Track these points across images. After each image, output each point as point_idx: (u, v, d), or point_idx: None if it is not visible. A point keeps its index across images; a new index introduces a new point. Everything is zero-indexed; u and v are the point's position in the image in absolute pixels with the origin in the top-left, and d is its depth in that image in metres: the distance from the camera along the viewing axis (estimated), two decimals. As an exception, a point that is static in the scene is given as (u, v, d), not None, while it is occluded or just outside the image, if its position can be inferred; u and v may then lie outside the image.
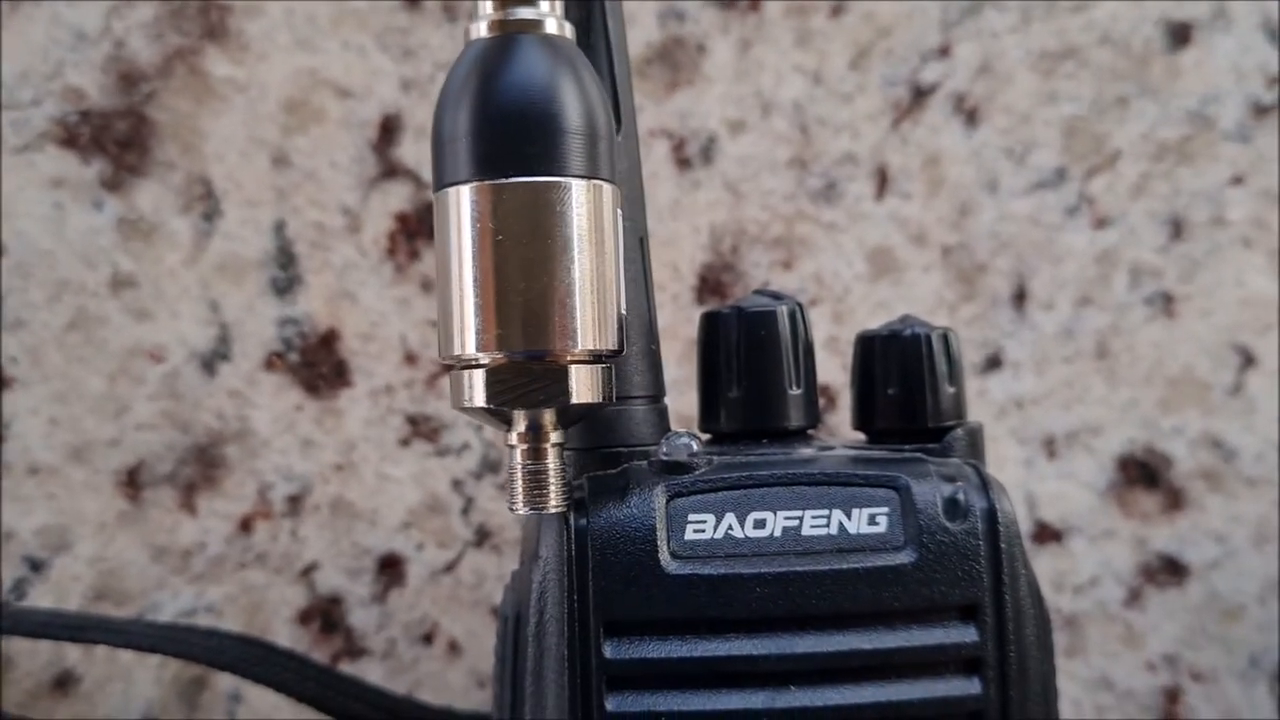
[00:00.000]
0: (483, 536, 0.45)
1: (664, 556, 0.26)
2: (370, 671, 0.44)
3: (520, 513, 0.26)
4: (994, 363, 0.46)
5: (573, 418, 0.26)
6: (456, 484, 0.45)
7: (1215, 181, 0.47)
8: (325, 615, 0.44)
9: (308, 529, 0.44)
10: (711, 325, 0.30)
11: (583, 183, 0.25)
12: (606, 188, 0.26)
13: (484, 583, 0.45)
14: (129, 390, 0.43)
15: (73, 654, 0.43)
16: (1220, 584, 0.47)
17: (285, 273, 0.44)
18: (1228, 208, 0.47)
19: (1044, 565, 0.46)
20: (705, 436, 0.31)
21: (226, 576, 0.44)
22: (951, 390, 0.31)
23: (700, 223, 0.46)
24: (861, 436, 0.32)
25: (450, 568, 0.45)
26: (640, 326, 0.29)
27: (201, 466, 0.44)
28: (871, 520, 0.27)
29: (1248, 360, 0.47)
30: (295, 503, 0.44)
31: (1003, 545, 0.27)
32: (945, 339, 0.31)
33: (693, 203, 0.46)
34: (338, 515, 0.44)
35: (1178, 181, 0.47)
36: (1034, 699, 0.27)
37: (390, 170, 0.45)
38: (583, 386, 0.25)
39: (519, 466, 0.26)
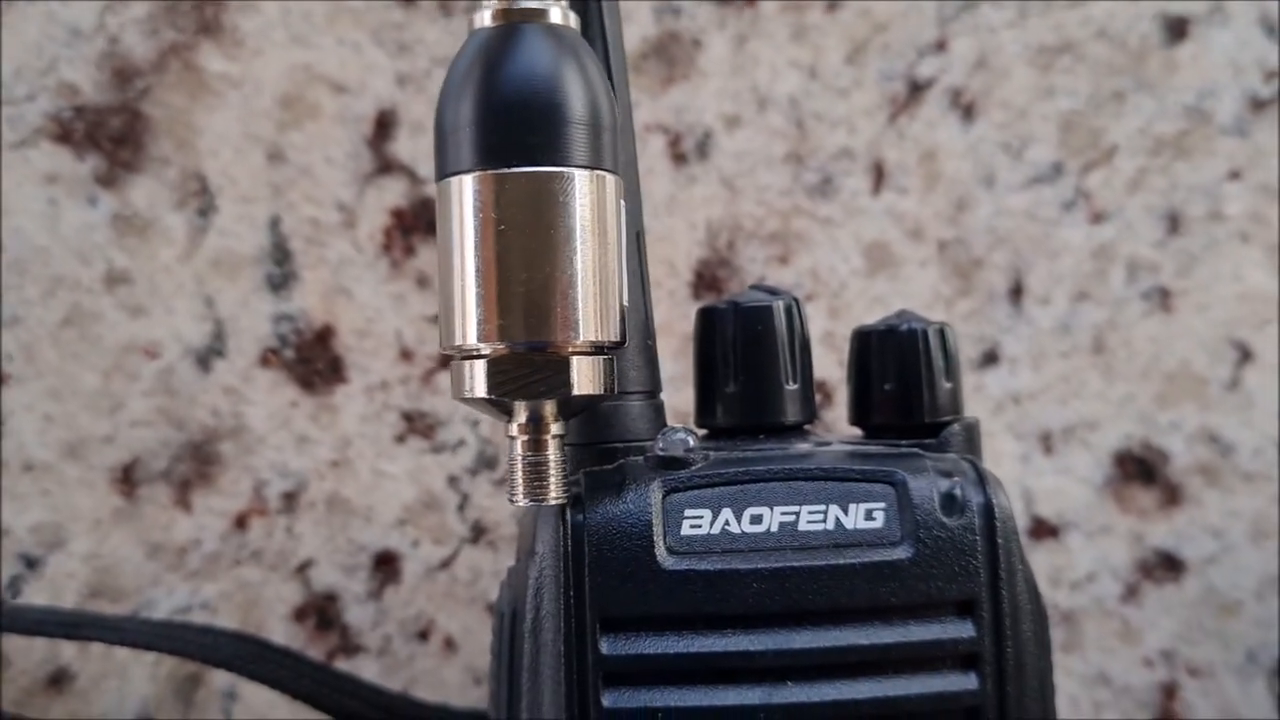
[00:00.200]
0: (479, 533, 0.45)
1: (660, 552, 0.26)
2: (366, 668, 0.44)
3: (520, 504, 0.26)
4: (991, 358, 0.46)
5: (574, 409, 0.26)
6: (452, 480, 0.45)
7: (1212, 176, 0.46)
8: (321, 612, 0.44)
9: (303, 526, 0.44)
10: (708, 320, 0.30)
11: (586, 173, 0.25)
12: (610, 178, 0.26)
13: (480, 579, 0.45)
14: (124, 387, 0.43)
15: (68, 651, 0.43)
16: (1217, 579, 0.47)
17: (280, 269, 0.44)
18: (1225, 202, 0.46)
19: (1041, 561, 0.46)
20: (702, 432, 0.30)
21: (222, 573, 0.44)
22: (948, 385, 0.30)
23: (696, 218, 0.46)
24: (858, 432, 0.32)
25: (446, 564, 0.45)
26: (636, 321, 0.29)
27: (196, 463, 0.44)
28: (868, 515, 0.27)
29: (1245, 355, 0.47)
30: (290, 499, 0.44)
31: (1000, 540, 0.27)
32: (942, 334, 0.31)
33: (689, 198, 0.46)
34: (333, 512, 0.44)
35: (1175, 176, 0.46)
36: (1031, 694, 0.27)
37: (385, 166, 0.44)
38: (584, 378, 0.25)
39: (519, 458, 0.26)
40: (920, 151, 0.46)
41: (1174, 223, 0.46)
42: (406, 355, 0.45)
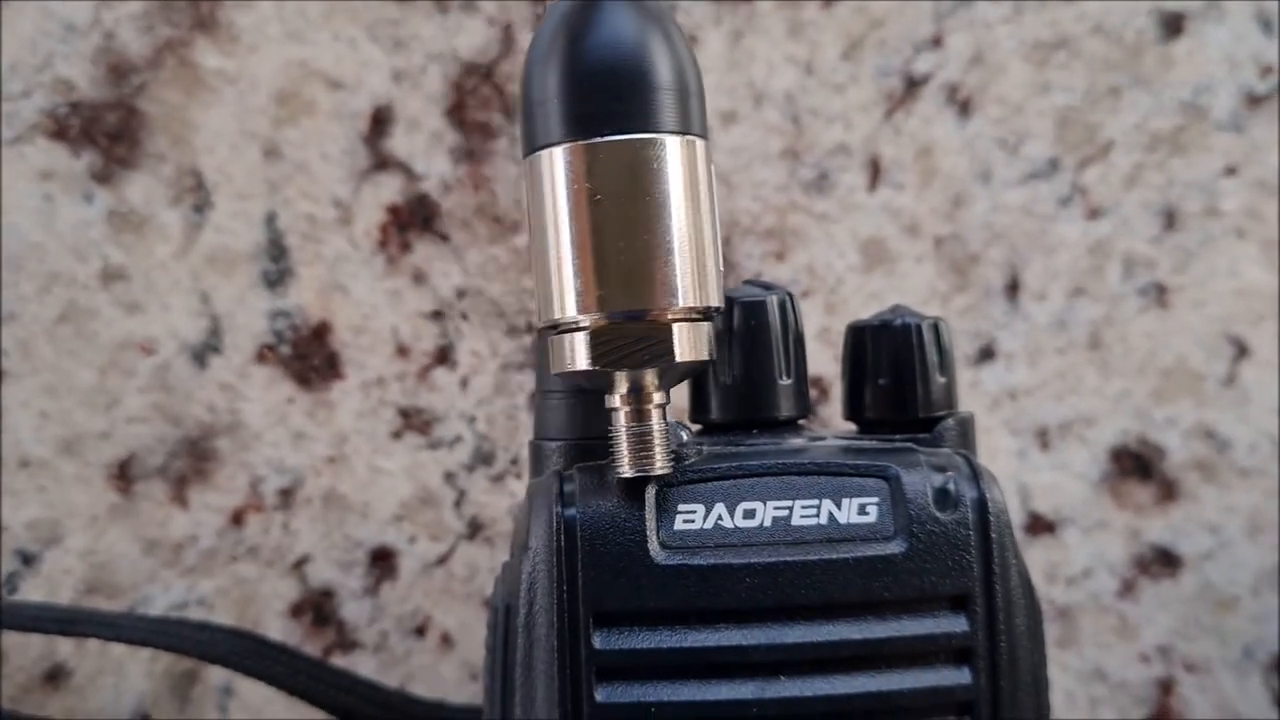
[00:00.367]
0: (475, 529, 0.45)
1: (653, 547, 0.26)
2: (362, 665, 0.44)
3: (627, 475, 0.26)
4: (987, 354, 0.46)
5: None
6: (449, 476, 0.45)
7: (1208, 172, 0.46)
8: (317, 608, 0.44)
9: (299, 522, 0.44)
10: (703, 315, 0.30)
11: (677, 139, 0.25)
12: (699, 143, 0.25)
13: (476, 575, 0.45)
14: (120, 383, 0.43)
15: (64, 648, 0.43)
16: (1214, 575, 0.47)
17: (276, 265, 0.44)
18: (1221, 198, 0.46)
19: (1037, 556, 0.46)
20: (695, 427, 0.30)
21: (218, 570, 0.44)
22: (942, 380, 0.30)
23: (693, 214, 0.46)
24: (853, 427, 0.32)
25: (442, 560, 0.45)
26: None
27: (193, 459, 0.44)
28: (861, 510, 0.27)
29: (1241, 351, 0.47)
30: (287, 495, 0.44)
31: (993, 535, 0.27)
32: (936, 329, 0.31)
33: (685, 194, 0.45)
34: (329, 508, 0.44)
35: (1171, 172, 0.46)
36: (1024, 689, 0.27)
37: (382, 162, 0.44)
38: (686, 345, 0.25)
39: (623, 429, 0.26)
40: (916, 147, 0.46)
41: (1170, 219, 0.46)
42: (403, 351, 0.45)
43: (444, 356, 0.45)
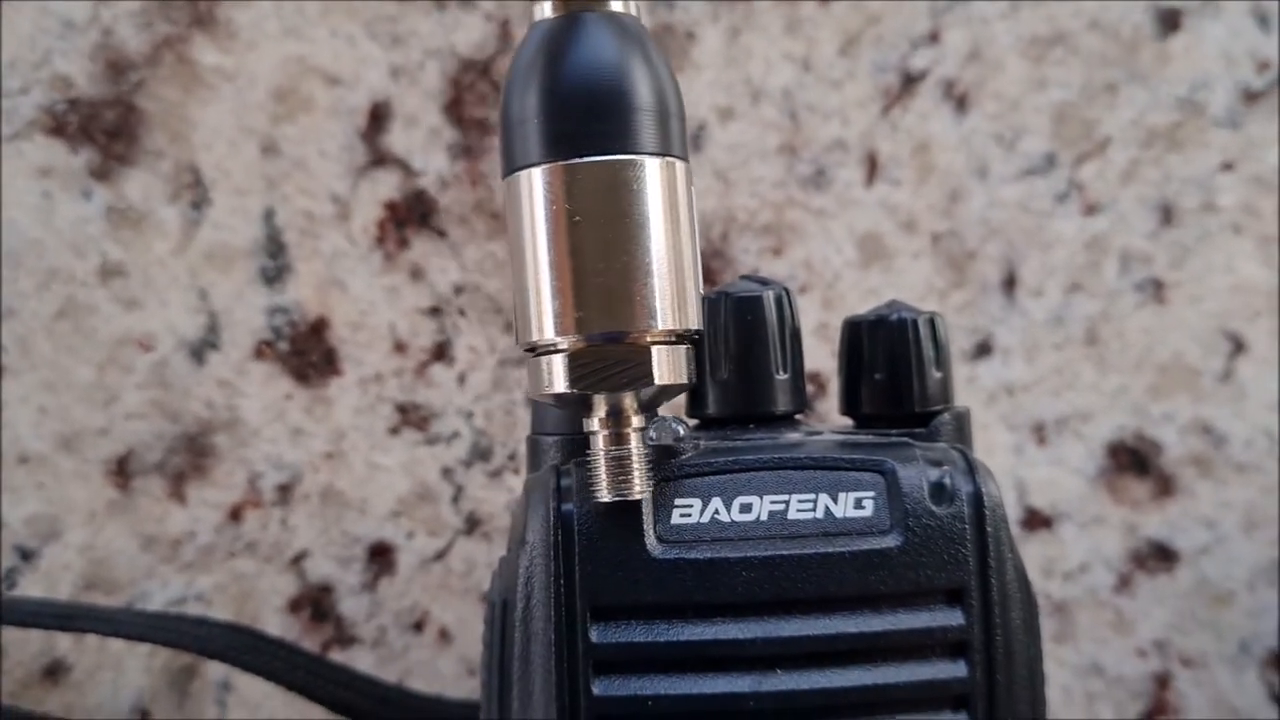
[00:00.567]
0: (473, 524, 0.45)
1: (650, 541, 0.26)
2: (361, 660, 0.44)
3: (605, 500, 0.26)
4: (984, 349, 0.47)
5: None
6: (446, 472, 0.45)
7: (1205, 168, 0.47)
8: (315, 604, 0.44)
9: (298, 518, 0.44)
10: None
11: (657, 160, 0.25)
12: (679, 164, 0.25)
13: (474, 571, 0.45)
14: (118, 379, 0.43)
15: (63, 643, 0.43)
16: (1210, 570, 0.47)
17: (274, 261, 0.44)
18: (1218, 194, 0.47)
19: (1034, 551, 0.46)
20: (692, 421, 0.30)
21: (216, 565, 0.44)
22: (938, 375, 0.31)
23: (690, 210, 0.46)
24: (849, 422, 0.32)
25: (440, 556, 0.45)
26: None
27: (191, 455, 0.44)
28: (858, 504, 0.27)
29: (1238, 346, 0.47)
30: (285, 491, 0.44)
31: (989, 529, 0.27)
32: (932, 323, 0.31)
33: (682, 190, 0.46)
34: (327, 504, 0.44)
35: (1168, 168, 0.47)
36: (1020, 682, 0.27)
37: (379, 158, 0.44)
38: (666, 367, 0.25)
39: (601, 453, 0.26)
40: (913, 143, 0.46)
41: (1167, 214, 0.47)
42: (400, 347, 0.45)
43: (441, 352, 0.45)
